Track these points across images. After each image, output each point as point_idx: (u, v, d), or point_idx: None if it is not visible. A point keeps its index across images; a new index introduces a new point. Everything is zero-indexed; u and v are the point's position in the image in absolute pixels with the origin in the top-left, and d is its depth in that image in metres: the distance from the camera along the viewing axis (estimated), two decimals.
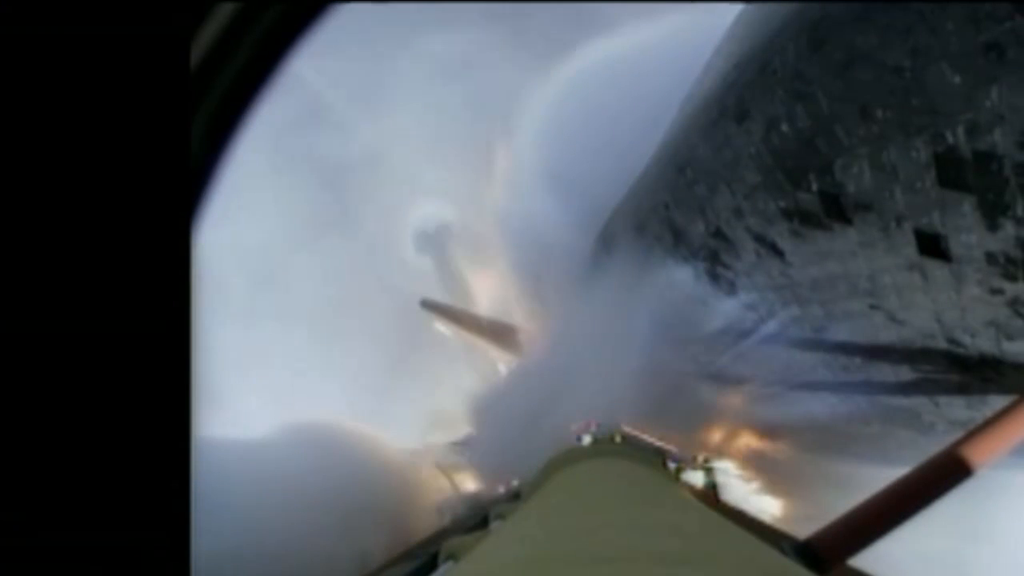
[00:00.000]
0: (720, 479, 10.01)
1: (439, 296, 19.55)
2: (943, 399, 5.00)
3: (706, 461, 10.00)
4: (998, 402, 3.91)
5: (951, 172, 3.13)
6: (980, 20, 2.56)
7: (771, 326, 5.71)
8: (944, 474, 2.86)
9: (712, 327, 6.64)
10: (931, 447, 3.20)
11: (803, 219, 4.24)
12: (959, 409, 4.96)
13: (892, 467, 3.91)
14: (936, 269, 3.69)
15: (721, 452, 10.26)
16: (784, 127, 3.85)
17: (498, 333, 16.07)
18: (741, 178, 4.52)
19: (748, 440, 10.01)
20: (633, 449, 6.88)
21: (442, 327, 18.88)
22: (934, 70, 2.84)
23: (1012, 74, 2.59)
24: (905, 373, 4.95)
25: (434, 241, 20.59)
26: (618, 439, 8.08)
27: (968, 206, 3.18)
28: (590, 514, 2.41)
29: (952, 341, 4.17)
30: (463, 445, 13.33)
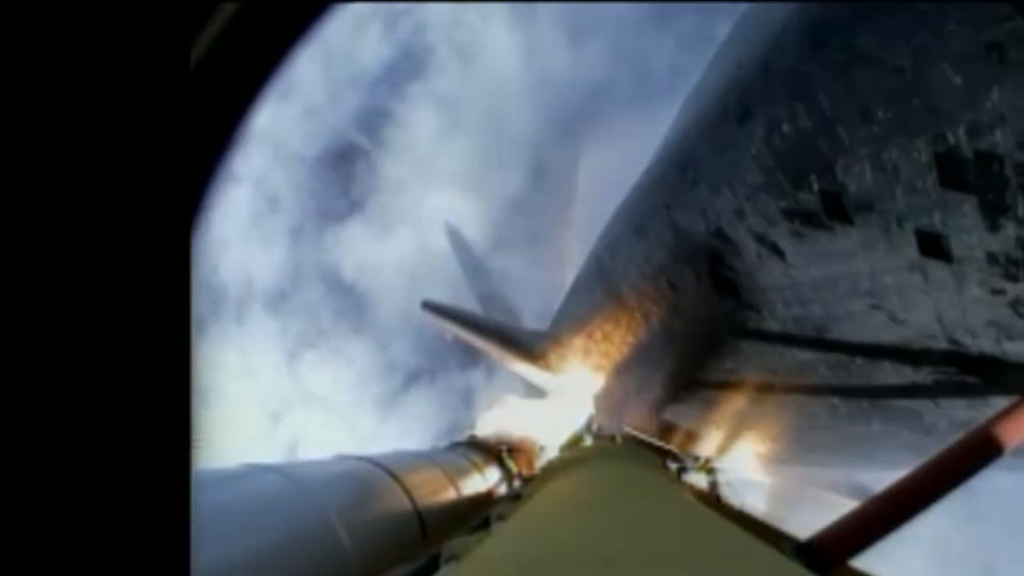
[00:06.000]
0: (721, 479, 10.02)
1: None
2: (944, 399, 4.99)
3: (707, 462, 10.01)
4: (999, 402, 3.89)
5: (952, 172, 3.12)
6: (980, 20, 2.55)
7: (772, 326, 5.71)
8: (946, 475, 2.85)
9: (713, 328, 6.64)
10: (932, 447, 3.19)
11: (804, 219, 4.24)
12: (960, 409, 4.95)
13: (893, 468, 3.90)
14: (937, 269, 3.68)
15: (722, 453, 10.26)
16: (785, 127, 3.85)
17: (509, 337, 15.57)
18: (742, 179, 4.52)
19: (749, 441, 10.00)
20: (634, 450, 6.88)
21: (447, 331, 18.33)
22: (935, 70, 2.84)
23: (1013, 74, 2.58)
24: (906, 373, 4.95)
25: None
26: (619, 440, 8.09)
27: (969, 207, 3.18)
28: (591, 515, 2.41)
29: (953, 341, 4.16)
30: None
